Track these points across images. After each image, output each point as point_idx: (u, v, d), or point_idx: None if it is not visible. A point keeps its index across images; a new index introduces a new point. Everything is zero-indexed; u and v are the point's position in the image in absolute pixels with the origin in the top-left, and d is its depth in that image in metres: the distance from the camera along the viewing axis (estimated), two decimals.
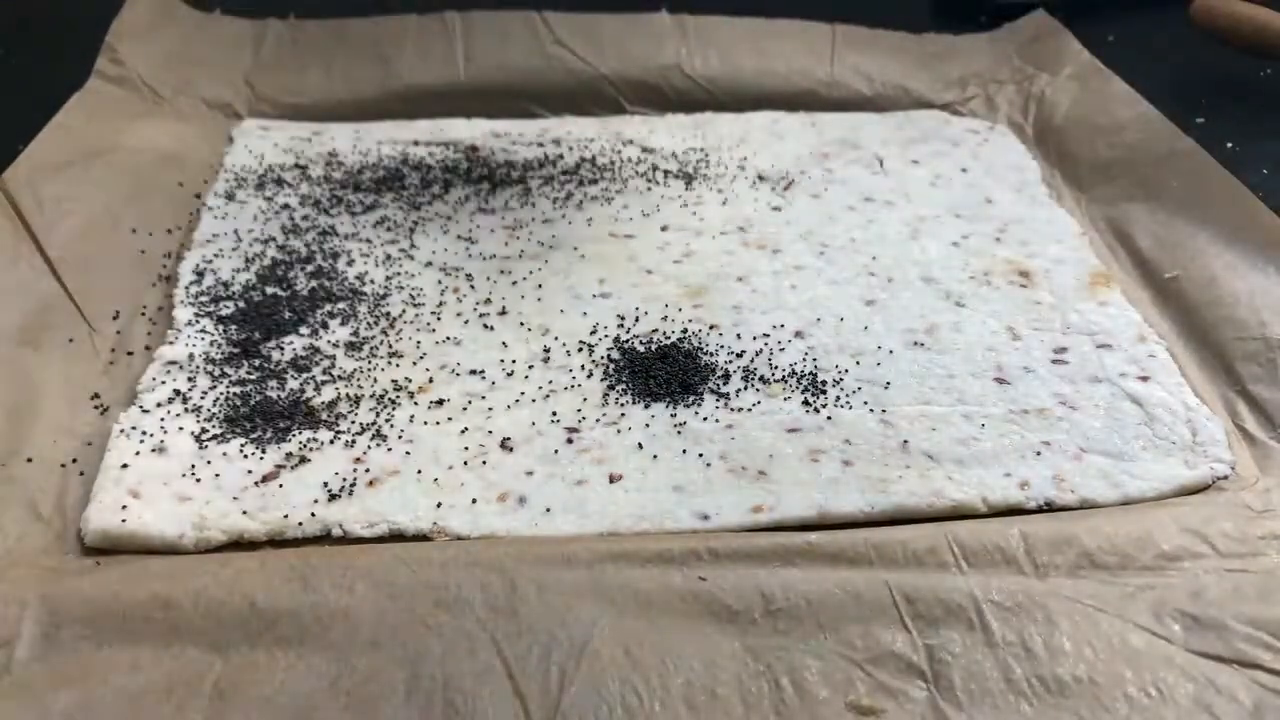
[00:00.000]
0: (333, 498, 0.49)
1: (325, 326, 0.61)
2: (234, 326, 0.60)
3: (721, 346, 0.59)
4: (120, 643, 0.41)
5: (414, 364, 0.58)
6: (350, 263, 0.66)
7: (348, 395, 0.55)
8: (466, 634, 0.42)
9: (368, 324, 0.61)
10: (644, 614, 0.43)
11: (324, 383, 0.56)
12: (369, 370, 0.57)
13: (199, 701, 0.40)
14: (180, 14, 0.88)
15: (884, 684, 0.41)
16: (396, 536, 0.48)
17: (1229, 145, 0.78)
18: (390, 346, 0.59)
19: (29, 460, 0.50)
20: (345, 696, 0.40)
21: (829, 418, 0.54)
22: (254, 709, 0.39)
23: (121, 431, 0.52)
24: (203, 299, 0.62)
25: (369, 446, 0.52)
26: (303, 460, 0.51)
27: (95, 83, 0.77)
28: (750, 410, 0.55)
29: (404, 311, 0.62)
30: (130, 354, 0.58)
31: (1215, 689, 0.41)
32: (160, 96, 0.80)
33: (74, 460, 0.51)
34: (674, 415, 0.54)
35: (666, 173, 0.77)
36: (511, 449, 0.52)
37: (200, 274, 0.64)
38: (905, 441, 0.53)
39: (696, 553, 0.46)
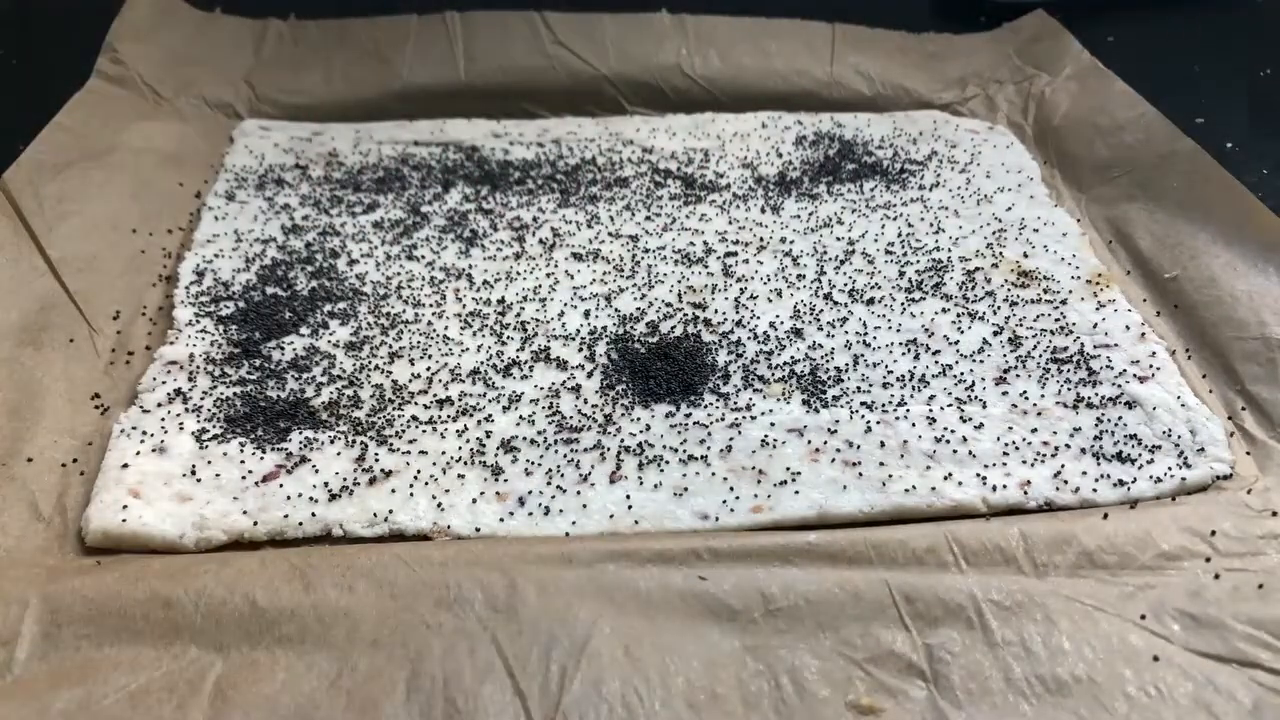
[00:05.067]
0: (333, 498, 0.49)
1: (325, 326, 0.61)
2: (234, 326, 0.60)
3: (721, 346, 0.59)
4: (121, 642, 0.42)
5: (414, 364, 0.58)
6: (351, 263, 0.66)
7: (348, 395, 0.55)
8: (467, 633, 0.42)
9: (368, 324, 0.61)
10: (644, 613, 0.43)
11: (324, 383, 0.56)
12: (369, 370, 0.57)
13: (200, 701, 0.40)
14: (181, 14, 0.89)
15: (884, 683, 0.41)
16: (397, 536, 0.48)
17: (1229, 145, 0.78)
18: (390, 347, 0.59)
19: (29, 460, 0.50)
20: (346, 696, 0.40)
21: (829, 418, 0.54)
22: (255, 708, 0.39)
23: (122, 431, 0.52)
24: (203, 299, 0.62)
25: (369, 446, 0.52)
26: (303, 460, 0.51)
27: (96, 83, 0.77)
28: (750, 410, 0.55)
29: (404, 311, 0.62)
30: (131, 354, 0.58)
31: (1214, 688, 0.41)
32: (161, 97, 0.80)
33: (74, 460, 0.51)
34: (674, 415, 0.55)
35: (667, 173, 0.77)
36: (511, 449, 0.52)
37: (200, 274, 0.64)
38: (905, 441, 0.53)
39: (696, 552, 0.46)
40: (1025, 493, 0.50)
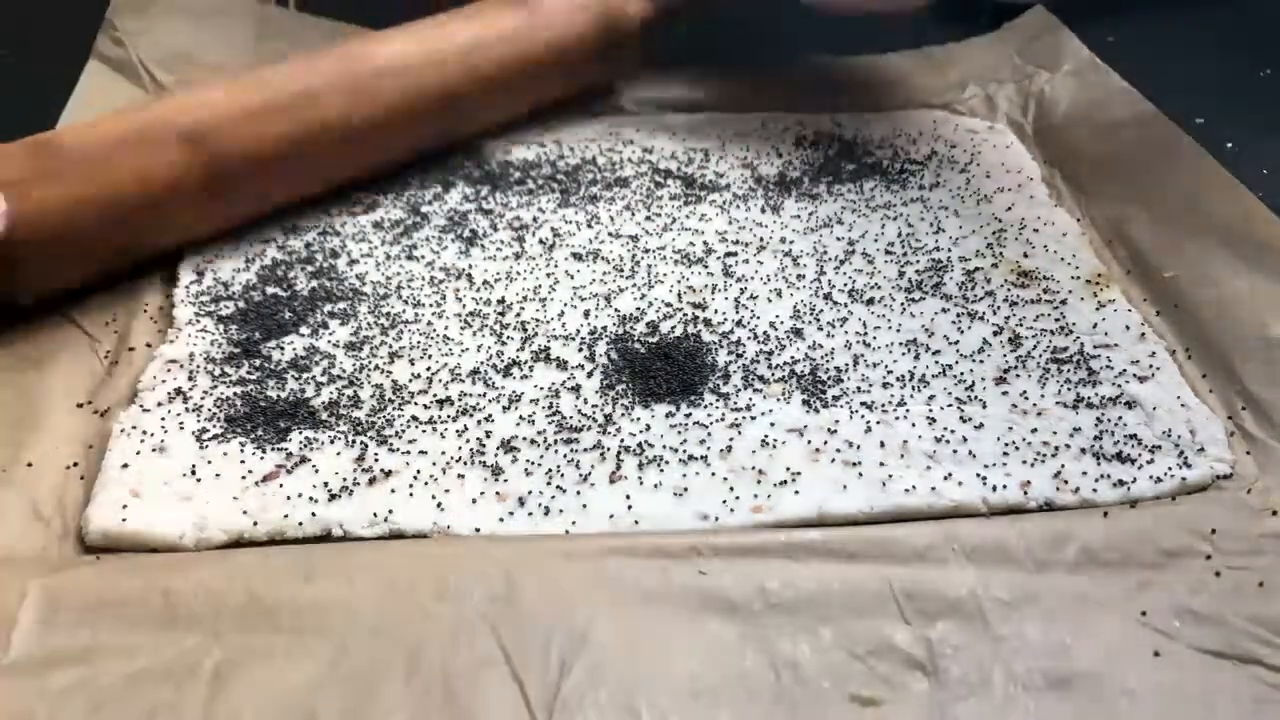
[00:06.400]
0: (333, 498, 0.49)
1: (325, 326, 0.61)
2: (234, 326, 0.60)
3: (722, 346, 0.59)
4: (119, 629, 0.42)
5: (414, 364, 0.58)
6: (351, 263, 0.66)
7: (348, 395, 0.55)
8: (466, 623, 0.42)
9: (368, 324, 0.61)
10: (644, 605, 0.43)
11: (324, 383, 0.56)
12: (369, 370, 0.57)
13: (197, 684, 0.40)
14: (181, 12, 0.88)
15: (884, 676, 0.41)
16: (396, 536, 0.48)
17: (1229, 145, 0.78)
18: (390, 347, 0.59)
19: (29, 465, 0.50)
20: (344, 683, 0.40)
21: (829, 417, 0.54)
22: (252, 693, 0.40)
23: (122, 431, 0.52)
24: (203, 298, 0.62)
25: (369, 446, 0.52)
26: (303, 460, 0.51)
27: (94, 76, 0.77)
28: (750, 410, 0.55)
29: (404, 311, 0.62)
30: (131, 352, 0.58)
31: (1215, 685, 0.41)
32: (163, 88, 0.80)
33: (74, 460, 0.51)
34: (674, 415, 0.55)
35: (667, 173, 0.77)
36: (511, 449, 0.52)
37: (200, 273, 0.64)
38: (905, 441, 0.53)
39: (697, 549, 0.46)
40: (1025, 493, 0.50)
